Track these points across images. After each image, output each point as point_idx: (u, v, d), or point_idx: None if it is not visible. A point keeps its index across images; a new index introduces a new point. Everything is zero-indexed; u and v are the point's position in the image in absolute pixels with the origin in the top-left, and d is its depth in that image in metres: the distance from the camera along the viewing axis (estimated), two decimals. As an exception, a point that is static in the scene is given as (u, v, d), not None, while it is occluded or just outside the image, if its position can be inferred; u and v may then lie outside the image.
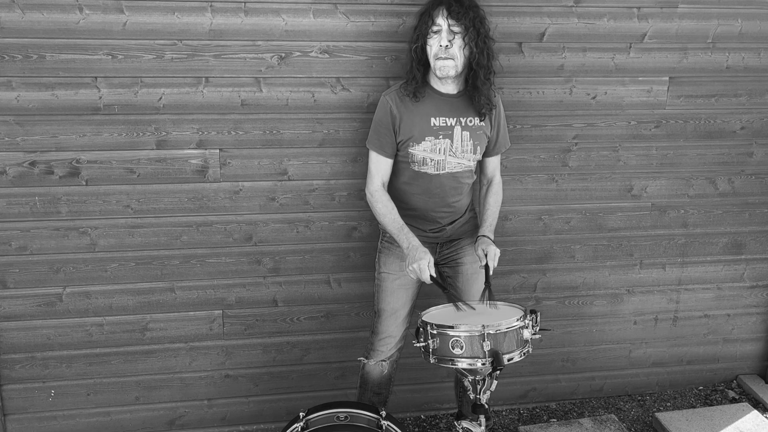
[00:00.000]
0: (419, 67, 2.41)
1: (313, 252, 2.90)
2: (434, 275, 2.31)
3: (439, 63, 2.34)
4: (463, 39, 2.31)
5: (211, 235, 2.81)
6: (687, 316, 3.33)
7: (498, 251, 2.43)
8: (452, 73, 2.35)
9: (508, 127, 2.73)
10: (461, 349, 2.02)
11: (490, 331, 2.01)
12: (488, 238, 2.49)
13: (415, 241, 2.37)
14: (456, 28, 2.30)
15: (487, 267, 2.41)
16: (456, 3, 2.30)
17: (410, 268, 2.33)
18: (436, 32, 2.33)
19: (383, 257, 2.63)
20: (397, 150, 2.48)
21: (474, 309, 2.29)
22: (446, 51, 2.31)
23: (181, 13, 2.54)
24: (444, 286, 2.41)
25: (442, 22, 2.30)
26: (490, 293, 2.33)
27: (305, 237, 2.87)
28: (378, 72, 2.71)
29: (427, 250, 2.35)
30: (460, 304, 2.30)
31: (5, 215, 2.65)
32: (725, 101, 3.04)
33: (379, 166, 2.49)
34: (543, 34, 2.80)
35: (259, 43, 2.62)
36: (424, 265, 2.29)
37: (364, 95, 2.73)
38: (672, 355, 3.39)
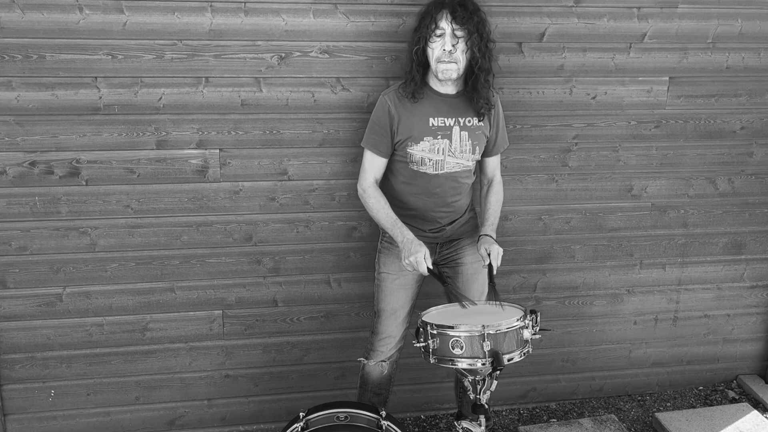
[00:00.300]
0: (419, 68, 2.41)
1: (313, 252, 2.90)
2: (431, 267, 2.31)
3: (442, 66, 2.33)
4: (466, 43, 2.31)
5: (211, 235, 2.81)
6: (687, 316, 3.33)
7: (501, 250, 2.43)
8: (454, 76, 2.35)
9: (508, 127, 2.73)
10: (461, 349, 2.02)
11: (490, 331, 2.01)
12: (491, 237, 2.49)
13: (409, 235, 2.37)
14: (459, 33, 2.30)
15: (490, 266, 2.41)
16: (461, 7, 2.29)
17: (406, 261, 2.33)
18: (439, 36, 2.32)
19: (383, 257, 2.63)
20: (396, 150, 2.48)
21: (476, 304, 2.33)
22: (450, 55, 2.31)
23: (181, 13, 2.54)
24: (443, 279, 2.43)
25: (445, 26, 2.29)
26: (495, 293, 2.33)
27: (305, 237, 2.87)
28: (378, 72, 2.71)
29: (422, 242, 2.35)
30: (465, 302, 2.30)
31: (5, 215, 2.65)
32: (725, 101, 3.04)
33: (374, 165, 2.49)
34: (543, 34, 2.80)
35: (259, 43, 2.62)
36: (421, 258, 2.29)
37: (364, 95, 2.73)
38: (672, 355, 3.39)
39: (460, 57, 2.32)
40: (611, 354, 3.32)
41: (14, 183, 2.62)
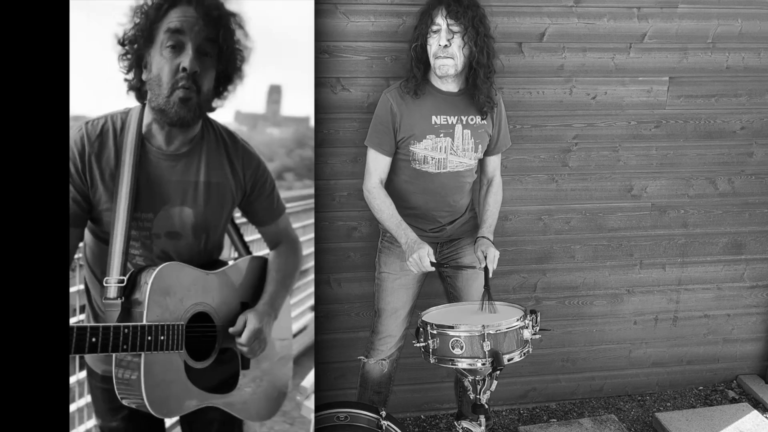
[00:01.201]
0: (419, 65, 2.42)
1: (313, 252, 2.90)
2: (434, 260, 2.31)
3: (438, 62, 2.35)
4: (462, 38, 2.32)
5: (211, 235, 2.80)
6: (687, 316, 3.33)
7: (497, 253, 2.42)
8: (452, 71, 2.36)
9: (508, 126, 2.73)
10: (461, 349, 2.02)
11: (490, 331, 2.01)
12: (488, 239, 2.49)
13: (413, 236, 2.37)
14: (455, 28, 2.31)
15: (486, 269, 2.40)
16: (455, 3, 2.31)
17: (410, 260, 2.32)
18: (435, 32, 2.34)
19: (383, 257, 2.63)
20: (398, 148, 2.48)
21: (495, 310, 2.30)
22: (445, 50, 2.32)
23: (181, 13, 2.54)
24: (443, 276, 2.41)
25: (441, 21, 2.32)
26: (489, 296, 2.32)
27: (305, 237, 2.87)
28: (378, 72, 2.71)
29: (425, 243, 2.35)
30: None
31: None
32: (725, 101, 3.04)
33: (378, 164, 2.49)
34: (543, 34, 2.80)
35: (259, 43, 2.62)
36: (424, 254, 2.29)
37: (364, 95, 2.73)
38: (672, 355, 3.39)
39: (457, 52, 2.33)
40: (611, 354, 3.32)
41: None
